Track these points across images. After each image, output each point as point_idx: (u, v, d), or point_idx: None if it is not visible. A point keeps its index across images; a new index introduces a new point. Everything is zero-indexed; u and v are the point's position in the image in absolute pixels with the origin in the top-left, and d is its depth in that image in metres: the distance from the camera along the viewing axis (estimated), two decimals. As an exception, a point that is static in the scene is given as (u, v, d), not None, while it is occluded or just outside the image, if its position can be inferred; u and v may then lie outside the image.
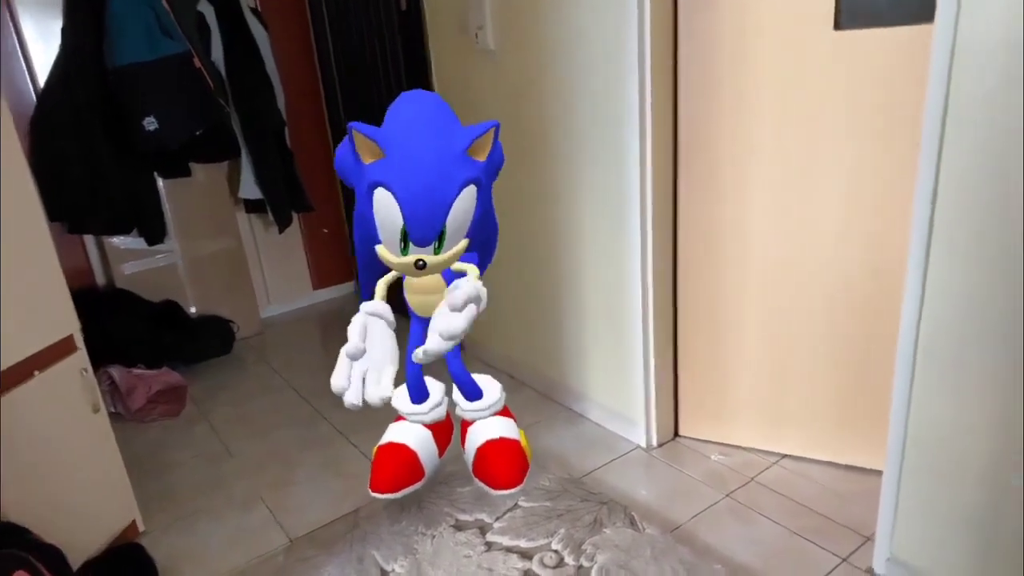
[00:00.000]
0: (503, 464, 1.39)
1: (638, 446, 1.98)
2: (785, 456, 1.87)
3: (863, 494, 1.68)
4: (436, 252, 1.16)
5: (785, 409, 1.83)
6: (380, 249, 1.18)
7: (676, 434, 2.01)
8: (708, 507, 1.70)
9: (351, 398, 1.19)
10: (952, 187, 1.14)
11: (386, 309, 1.28)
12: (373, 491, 1.40)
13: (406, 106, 1.18)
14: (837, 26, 1.47)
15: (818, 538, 1.57)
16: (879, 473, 1.42)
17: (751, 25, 1.56)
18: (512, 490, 1.39)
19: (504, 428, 1.44)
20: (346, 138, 1.14)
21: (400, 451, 1.43)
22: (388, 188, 1.10)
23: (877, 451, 1.71)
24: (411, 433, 1.47)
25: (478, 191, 1.16)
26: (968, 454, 1.23)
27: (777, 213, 1.66)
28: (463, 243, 1.19)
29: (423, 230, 1.12)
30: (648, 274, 1.79)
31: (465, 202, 1.14)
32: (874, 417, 1.70)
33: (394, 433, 1.47)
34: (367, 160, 1.12)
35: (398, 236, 1.13)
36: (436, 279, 1.27)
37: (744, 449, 1.91)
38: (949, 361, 1.22)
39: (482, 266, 1.34)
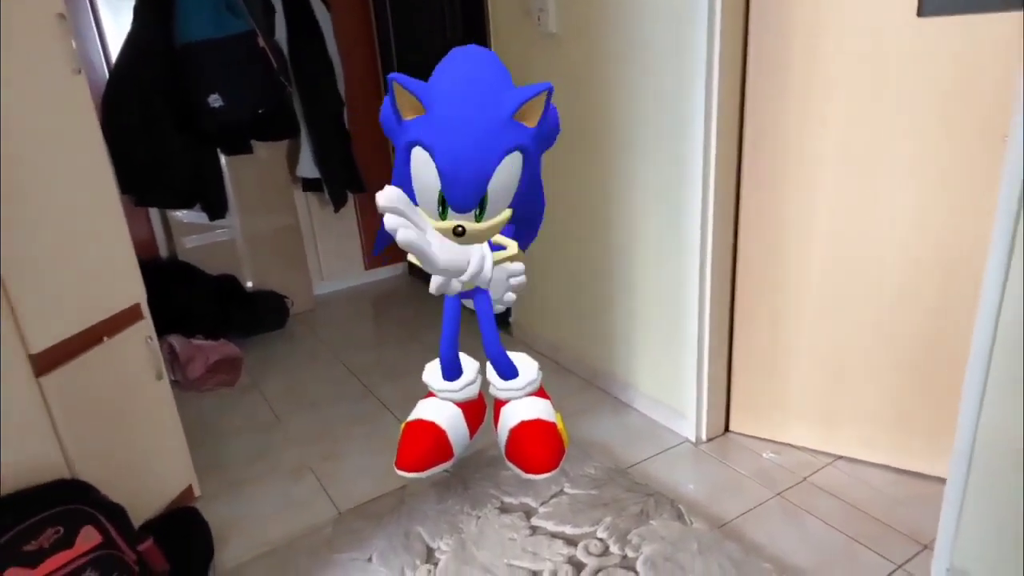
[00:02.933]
0: (538, 447, 1.31)
1: (687, 440, 1.95)
2: (840, 457, 1.82)
3: (921, 500, 1.63)
4: (477, 220, 1.08)
5: (842, 409, 1.77)
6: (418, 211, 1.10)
7: (727, 429, 1.98)
8: (758, 505, 1.67)
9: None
10: (1040, 184, 1.08)
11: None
12: (398, 468, 1.34)
13: (456, 62, 1.11)
14: (920, 12, 1.40)
15: (872, 543, 1.52)
16: (938, 479, 1.37)
17: (826, 13, 1.50)
18: (546, 475, 1.31)
19: (540, 409, 1.36)
20: (389, 91, 1.08)
21: (429, 429, 1.37)
22: (426, 148, 1.03)
23: (937, 456, 1.65)
24: (441, 411, 1.40)
25: (524, 159, 1.09)
26: (1041, 465, 1.18)
27: (844, 209, 1.61)
28: (506, 213, 1.12)
29: (462, 197, 1.05)
30: (706, 266, 1.76)
31: (509, 170, 1.07)
32: (935, 421, 1.63)
33: (423, 410, 1.41)
34: (407, 116, 1.06)
35: (436, 199, 1.07)
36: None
37: (797, 448, 1.87)
38: (1026, 367, 1.16)
39: (523, 243, 1.27)
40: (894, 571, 1.44)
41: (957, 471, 1.31)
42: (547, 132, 1.15)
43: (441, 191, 1.05)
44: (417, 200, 1.09)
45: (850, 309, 1.67)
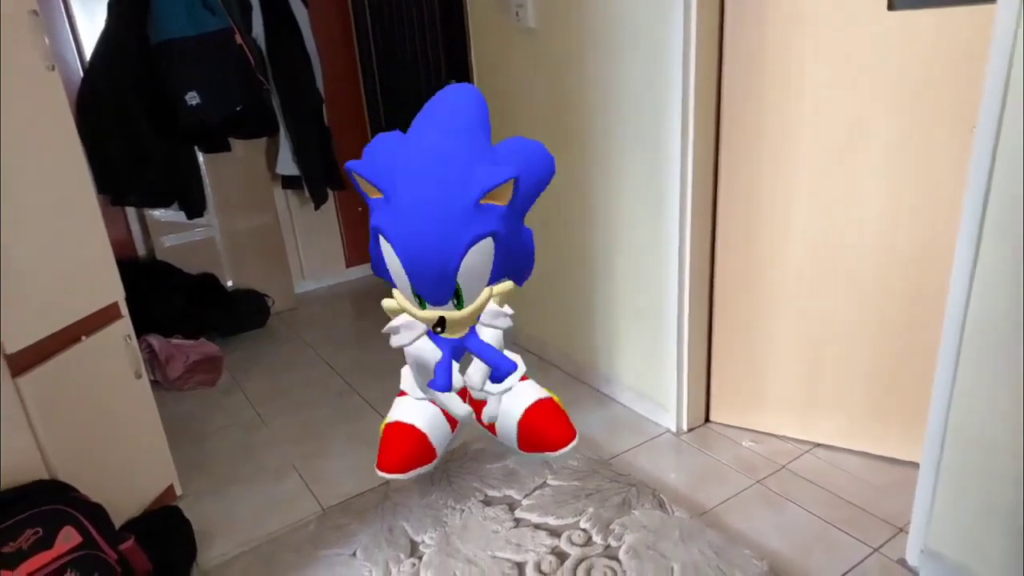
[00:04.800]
0: (552, 424, 1.34)
1: (668, 430, 1.97)
2: (818, 445, 1.85)
3: (896, 485, 1.66)
4: (457, 307, 1.05)
5: (819, 397, 1.80)
6: (397, 295, 1.09)
7: (707, 419, 2.00)
8: (738, 493, 1.69)
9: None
10: (1008, 173, 1.11)
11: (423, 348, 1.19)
12: (380, 470, 1.33)
13: (427, 122, 1.05)
14: (891, 6, 1.43)
15: (850, 528, 1.55)
16: (913, 464, 1.40)
17: (800, 6, 1.52)
18: (572, 445, 1.33)
19: (533, 391, 1.39)
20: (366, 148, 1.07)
21: (409, 432, 1.36)
22: (388, 240, 0.99)
23: (912, 442, 1.69)
24: (420, 412, 1.39)
25: (496, 242, 1.02)
26: (1009, 447, 1.21)
27: (820, 199, 1.63)
28: (487, 292, 1.09)
29: (430, 292, 1.02)
30: (685, 258, 1.78)
31: (479, 256, 1.01)
32: (910, 408, 1.67)
33: (401, 411, 1.40)
34: (372, 195, 1.03)
35: (410, 289, 1.04)
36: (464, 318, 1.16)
37: (776, 436, 1.90)
38: (995, 351, 1.19)
39: (519, 281, 1.25)
40: (871, 554, 1.47)
41: (929, 456, 1.34)
42: (528, 191, 1.10)
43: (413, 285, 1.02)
44: (395, 283, 1.07)
45: (826, 300, 1.70)
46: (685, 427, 1.95)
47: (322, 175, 2.95)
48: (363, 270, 3.47)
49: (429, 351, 1.18)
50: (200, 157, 2.70)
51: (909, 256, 1.57)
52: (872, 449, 1.78)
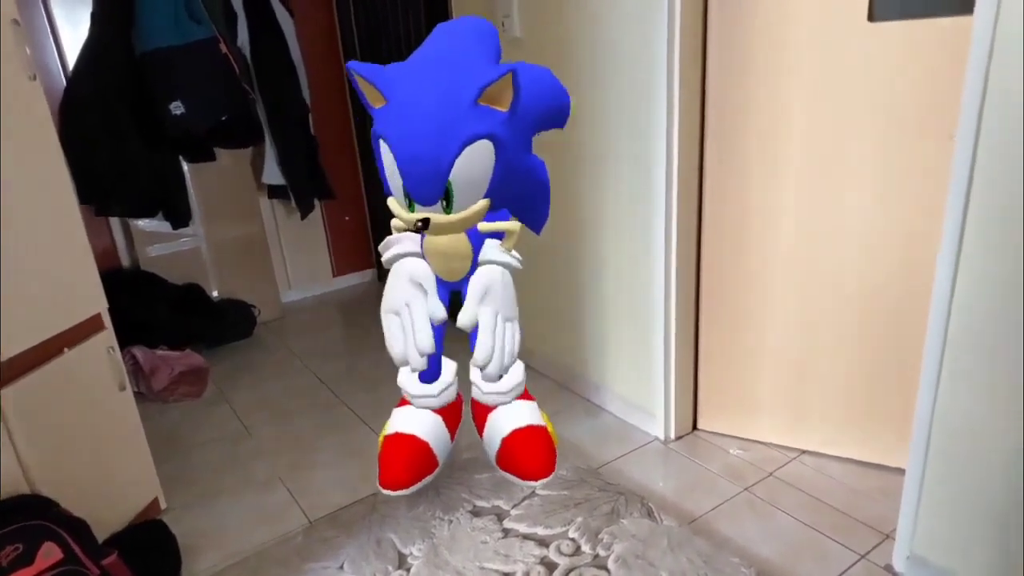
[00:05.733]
0: (534, 453, 1.27)
1: (656, 438, 1.97)
2: (805, 452, 1.86)
3: (883, 491, 1.67)
4: (446, 211, 1.02)
5: (806, 405, 1.81)
6: (390, 201, 1.06)
7: (695, 427, 2.01)
8: (726, 500, 1.69)
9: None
10: (987, 181, 1.13)
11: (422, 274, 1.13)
12: (383, 487, 1.26)
13: (434, 38, 1.05)
14: (871, 17, 1.45)
15: (837, 534, 1.56)
16: (899, 471, 1.41)
17: (783, 15, 1.54)
18: (544, 480, 1.31)
19: (529, 414, 1.33)
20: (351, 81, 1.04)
21: (411, 443, 1.30)
22: (385, 139, 0.98)
23: (898, 449, 1.70)
24: (421, 421, 1.33)
25: (496, 148, 0.99)
26: (993, 452, 1.22)
27: (804, 207, 1.65)
28: (481, 203, 1.03)
29: (420, 189, 0.99)
30: (671, 266, 1.78)
31: (474, 159, 0.98)
32: (895, 414, 1.68)
33: (401, 422, 1.33)
34: (375, 105, 1.01)
35: (401, 192, 1.02)
36: (458, 241, 1.10)
37: (763, 444, 1.90)
38: (977, 357, 1.20)
39: (533, 222, 1.19)
40: (857, 561, 1.48)
41: (915, 462, 1.35)
42: (537, 114, 1.07)
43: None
44: (391, 191, 1.05)
45: (812, 309, 1.71)
46: (673, 435, 1.96)
47: (308, 184, 2.94)
48: (350, 279, 3.46)
49: (421, 269, 1.12)
50: (185, 167, 2.68)
51: (893, 264, 1.59)
52: (858, 456, 1.79)
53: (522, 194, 1.15)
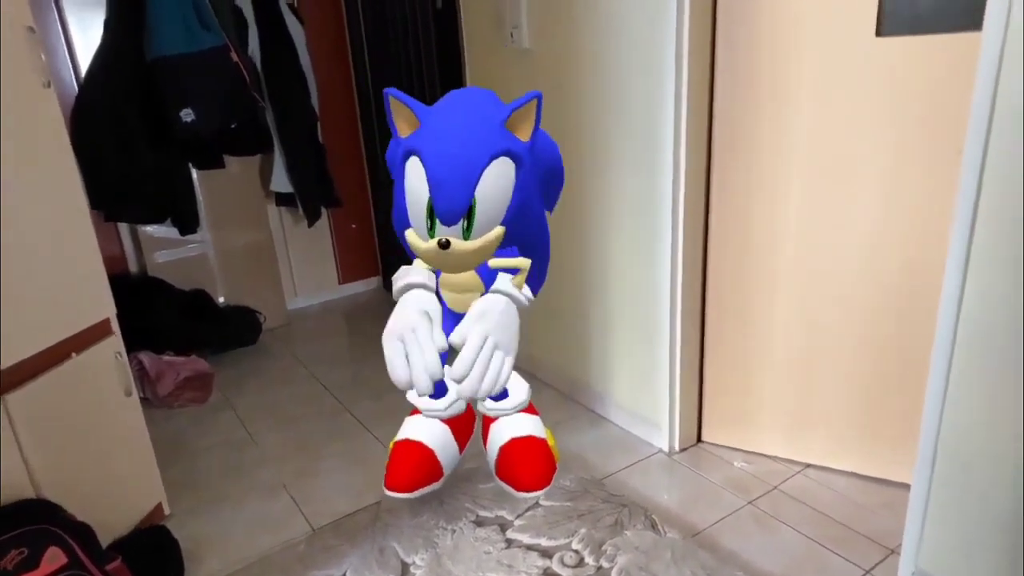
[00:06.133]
0: (529, 464, 1.31)
1: (660, 450, 1.97)
2: (809, 465, 1.85)
3: (887, 506, 1.66)
4: (465, 237, 1.05)
5: (811, 418, 1.81)
6: (409, 234, 1.08)
7: (699, 439, 2.00)
8: (730, 514, 1.69)
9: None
10: (995, 195, 1.13)
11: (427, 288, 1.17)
12: (388, 489, 1.33)
13: (453, 93, 1.14)
14: (879, 33, 1.45)
15: (841, 549, 1.55)
16: (904, 486, 1.40)
17: (791, 30, 1.55)
18: (537, 492, 1.33)
19: (531, 426, 1.37)
20: (388, 117, 1.09)
21: (417, 449, 1.36)
22: (417, 153, 1.02)
23: (902, 463, 1.69)
24: (430, 430, 1.38)
25: (517, 170, 1.05)
26: (1001, 466, 1.21)
27: (811, 221, 1.65)
28: (497, 231, 1.06)
29: (448, 199, 1.01)
30: (677, 278, 1.79)
31: (498, 176, 1.03)
32: (900, 429, 1.67)
33: (411, 429, 1.39)
34: (404, 133, 1.06)
35: (424, 212, 1.03)
36: (472, 276, 1.15)
37: (768, 457, 1.90)
38: (985, 369, 1.20)
39: (532, 280, 1.23)
40: (863, 576, 1.47)
41: (920, 477, 1.35)
42: (545, 162, 1.13)
43: (430, 200, 1.02)
44: (410, 219, 1.07)
45: (817, 321, 1.71)
46: (677, 447, 1.95)
47: (316, 192, 2.96)
48: (356, 287, 3.47)
49: (429, 300, 1.15)
50: (194, 173, 2.70)
51: (898, 278, 1.58)
52: (863, 470, 1.79)
53: (531, 240, 1.19)
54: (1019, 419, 1.17)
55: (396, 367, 1.10)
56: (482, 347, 1.08)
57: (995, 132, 1.10)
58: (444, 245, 1.03)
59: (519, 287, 1.16)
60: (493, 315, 1.11)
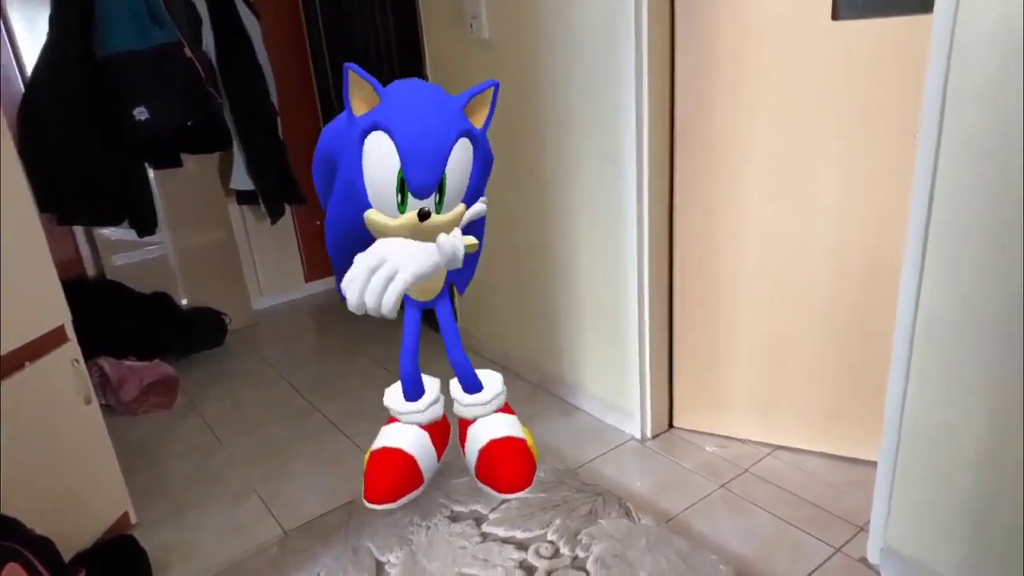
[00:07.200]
0: (510, 465, 1.31)
1: (633, 437, 1.98)
2: (779, 447, 1.87)
3: (857, 485, 1.69)
4: (437, 211, 1.04)
5: (780, 400, 1.83)
6: (372, 214, 1.05)
7: (671, 425, 2.02)
8: (703, 498, 1.70)
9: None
10: (950, 177, 1.14)
11: None
12: (369, 501, 1.30)
13: (402, 80, 1.12)
14: (835, 16, 1.46)
15: (812, 528, 1.57)
16: (873, 464, 1.42)
17: (748, 15, 1.55)
18: (520, 493, 1.33)
19: (509, 426, 1.36)
20: (328, 125, 1.08)
21: (396, 456, 1.33)
22: (384, 128, 1.01)
23: (871, 442, 1.72)
24: (407, 436, 1.36)
25: (474, 151, 1.08)
26: (963, 444, 1.24)
27: (773, 205, 1.66)
28: (460, 207, 1.08)
29: (425, 173, 1.01)
30: (644, 265, 1.79)
31: (462, 154, 1.05)
32: (868, 408, 1.70)
33: (388, 437, 1.36)
34: (359, 111, 1.03)
35: (394, 187, 1.02)
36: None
37: (739, 440, 1.92)
38: (945, 351, 1.22)
39: (461, 278, 1.24)
40: (833, 554, 1.50)
41: (886, 454, 1.37)
42: (488, 152, 1.14)
43: (401, 174, 1.01)
44: (371, 198, 1.04)
45: (783, 306, 1.73)
46: (650, 434, 1.96)
47: (278, 189, 2.90)
48: (323, 284, 3.42)
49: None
50: (151, 173, 2.63)
51: (860, 261, 1.61)
52: (832, 449, 1.82)
53: (475, 225, 1.20)
54: (979, 399, 1.20)
55: (352, 287, 1.04)
56: (376, 268, 1.04)
57: (948, 114, 1.12)
58: (425, 215, 1.03)
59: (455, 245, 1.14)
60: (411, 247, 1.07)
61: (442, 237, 1.07)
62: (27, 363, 1.42)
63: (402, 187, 1.02)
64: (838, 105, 1.52)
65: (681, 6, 1.62)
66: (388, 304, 1.03)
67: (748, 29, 1.56)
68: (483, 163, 1.16)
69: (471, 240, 1.13)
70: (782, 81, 1.56)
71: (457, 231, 1.13)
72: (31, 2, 2.37)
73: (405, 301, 1.20)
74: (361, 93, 1.02)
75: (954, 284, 1.18)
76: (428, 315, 1.24)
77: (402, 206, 1.03)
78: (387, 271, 1.03)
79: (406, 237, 1.06)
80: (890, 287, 1.54)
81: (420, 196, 1.02)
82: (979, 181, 1.11)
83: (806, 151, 1.59)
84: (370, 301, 1.03)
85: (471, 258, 1.26)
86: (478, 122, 1.09)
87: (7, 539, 1.20)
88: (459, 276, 1.25)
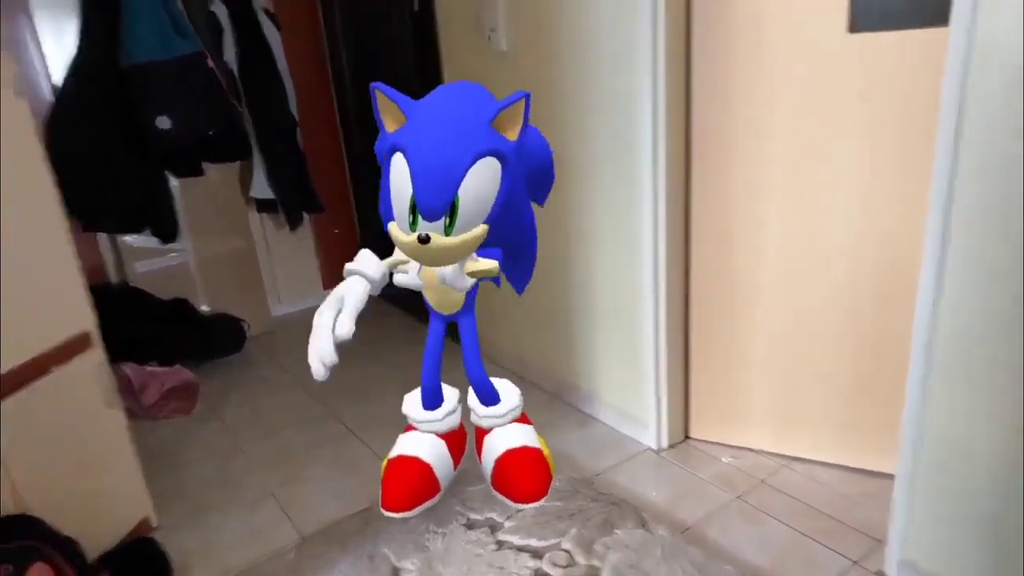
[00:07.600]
0: (526, 475, 1.30)
1: (648, 448, 1.98)
2: (795, 459, 1.87)
3: (873, 497, 1.68)
4: (447, 233, 1.03)
5: (796, 412, 1.83)
6: (391, 226, 1.06)
7: (686, 436, 2.01)
8: (718, 509, 1.70)
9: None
10: (968, 188, 1.14)
11: (371, 267, 1.13)
12: (385, 509, 1.28)
13: (441, 88, 1.11)
14: (851, 29, 1.47)
15: (828, 540, 1.56)
16: (889, 476, 1.42)
17: (765, 28, 1.56)
18: (535, 503, 1.33)
19: (525, 436, 1.35)
20: (373, 106, 1.11)
21: (413, 465, 1.32)
22: (401, 149, 1.01)
23: (887, 454, 1.71)
24: (424, 444, 1.35)
25: (503, 169, 1.04)
26: (982, 456, 1.23)
27: (790, 216, 1.67)
28: (480, 229, 1.05)
29: (430, 195, 1.00)
30: (660, 276, 1.80)
31: (483, 175, 1.02)
32: (884, 420, 1.69)
33: (405, 445, 1.36)
34: (391, 128, 1.04)
35: (407, 207, 1.02)
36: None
37: (754, 451, 1.91)
38: (964, 362, 1.22)
39: (517, 279, 1.22)
40: (850, 567, 1.49)
41: (904, 467, 1.36)
42: (536, 160, 1.12)
43: (412, 196, 1.00)
44: (395, 215, 1.05)
45: (800, 314, 1.73)
46: (665, 444, 1.96)
47: (297, 198, 2.94)
48: (340, 292, 3.45)
49: (351, 287, 1.12)
50: (173, 181, 2.67)
51: (879, 272, 1.60)
52: (848, 462, 1.80)
53: (517, 238, 1.18)
54: (998, 409, 1.19)
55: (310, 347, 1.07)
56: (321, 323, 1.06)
57: (966, 125, 1.12)
58: (424, 240, 1.02)
59: (471, 275, 1.14)
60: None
61: (442, 271, 1.07)
62: (54, 367, 1.45)
63: (414, 207, 1.01)
64: (854, 116, 1.52)
65: (698, 20, 1.63)
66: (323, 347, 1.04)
67: (763, 41, 1.57)
68: (527, 176, 1.13)
69: (483, 267, 1.14)
70: (798, 93, 1.57)
71: (473, 255, 1.14)
72: (59, 13, 2.43)
73: (429, 312, 1.20)
74: (389, 111, 1.03)
75: (973, 296, 1.18)
76: (452, 327, 1.24)
77: (413, 225, 1.03)
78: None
79: (413, 254, 1.06)
80: (906, 299, 1.53)
81: (428, 219, 1.01)
82: (997, 193, 1.11)
83: (822, 165, 1.59)
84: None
85: (527, 261, 1.26)
86: (511, 134, 1.06)
87: (34, 539, 1.23)
88: (515, 277, 1.25)
